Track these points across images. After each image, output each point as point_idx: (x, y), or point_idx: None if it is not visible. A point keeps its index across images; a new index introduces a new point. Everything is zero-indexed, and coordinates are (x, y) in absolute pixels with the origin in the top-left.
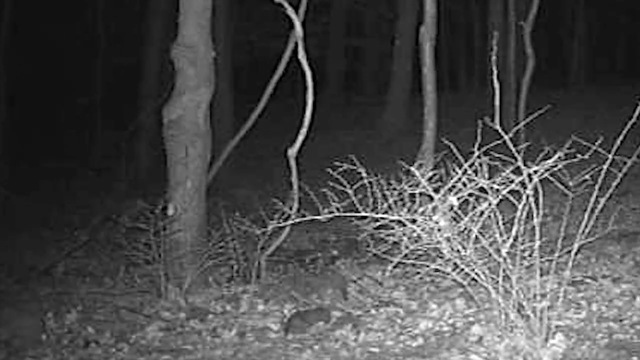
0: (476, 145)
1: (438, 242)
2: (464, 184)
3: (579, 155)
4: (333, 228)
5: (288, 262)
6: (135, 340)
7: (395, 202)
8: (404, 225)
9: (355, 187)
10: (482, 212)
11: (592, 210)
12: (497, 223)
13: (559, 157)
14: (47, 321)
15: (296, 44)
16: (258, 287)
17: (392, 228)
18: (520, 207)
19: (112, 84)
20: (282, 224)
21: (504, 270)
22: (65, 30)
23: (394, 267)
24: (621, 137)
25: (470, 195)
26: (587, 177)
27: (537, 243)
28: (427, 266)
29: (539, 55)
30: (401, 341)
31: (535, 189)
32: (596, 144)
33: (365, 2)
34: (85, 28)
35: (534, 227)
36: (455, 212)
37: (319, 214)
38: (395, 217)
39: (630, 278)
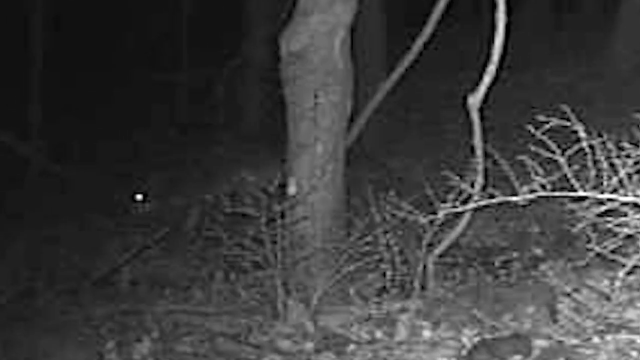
0: None
1: None
2: None
3: None
4: (536, 215)
5: (468, 265)
6: None
7: (629, 175)
8: None
9: (569, 153)
10: None
11: None
12: None
13: None
14: (107, 354)
15: None
16: (423, 303)
17: (625, 215)
18: None
19: None
20: (460, 209)
21: None
22: None
23: (628, 273)
24: None
25: None
26: None
27: None
28: None
29: None
30: None
31: None
32: None
33: None
34: None
35: None
36: None
37: (514, 194)
38: (630, 199)
39: None
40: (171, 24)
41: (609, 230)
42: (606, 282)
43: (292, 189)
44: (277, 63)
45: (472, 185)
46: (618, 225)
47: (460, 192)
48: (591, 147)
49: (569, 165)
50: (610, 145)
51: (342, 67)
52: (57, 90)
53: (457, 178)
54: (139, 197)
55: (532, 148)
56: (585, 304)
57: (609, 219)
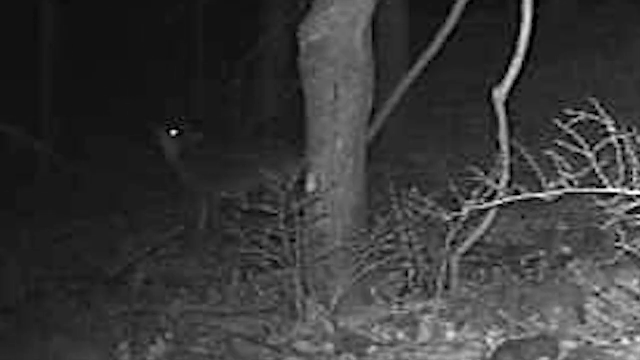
0: None
1: None
2: None
3: None
4: (563, 212)
5: (493, 264)
6: None
7: None
8: None
9: (598, 148)
10: None
11: None
12: None
13: None
14: (120, 356)
15: None
16: (447, 303)
17: None
18: None
19: None
20: (485, 206)
21: None
22: None
23: None
24: None
25: None
26: None
27: None
28: None
29: None
30: None
31: None
32: None
33: None
34: None
35: None
36: None
37: (541, 190)
38: None
39: None
40: (187, 15)
41: (639, 227)
42: (636, 281)
43: (311, 186)
44: (296, 55)
45: (498, 182)
46: None
47: (485, 189)
48: (621, 141)
49: (598, 161)
50: None
51: (364, 59)
52: (68, 83)
53: (482, 174)
54: (174, 132)
55: (560, 143)
56: (615, 304)
57: (639, 216)
